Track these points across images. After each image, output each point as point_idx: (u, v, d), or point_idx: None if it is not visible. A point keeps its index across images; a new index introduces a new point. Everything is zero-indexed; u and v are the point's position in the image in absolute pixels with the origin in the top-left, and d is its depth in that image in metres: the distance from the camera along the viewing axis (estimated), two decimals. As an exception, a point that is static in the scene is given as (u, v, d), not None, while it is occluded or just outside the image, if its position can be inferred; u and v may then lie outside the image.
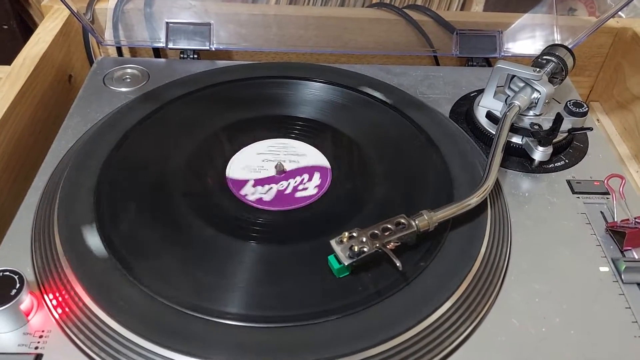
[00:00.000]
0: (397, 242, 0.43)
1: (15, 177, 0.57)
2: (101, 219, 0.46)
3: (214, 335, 0.39)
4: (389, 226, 0.43)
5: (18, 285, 0.39)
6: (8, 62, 0.64)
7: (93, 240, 0.44)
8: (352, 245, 0.41)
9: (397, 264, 0.40)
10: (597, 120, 0.77)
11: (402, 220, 0.43)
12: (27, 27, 1.00)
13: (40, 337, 0.40)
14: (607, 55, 0.77)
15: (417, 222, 0.43)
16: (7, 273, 0.39)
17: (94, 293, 0.41)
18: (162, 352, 0.38)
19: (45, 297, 0.42)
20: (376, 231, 0.42)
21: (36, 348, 0.39)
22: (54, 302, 0.41)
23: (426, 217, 0.43)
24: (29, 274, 0.43)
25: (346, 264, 0.41)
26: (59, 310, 0.41)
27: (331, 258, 0.42)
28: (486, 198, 0.48)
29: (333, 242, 0.42)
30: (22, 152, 0.59)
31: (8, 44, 0.97)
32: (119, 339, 0.39)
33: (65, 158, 0.54)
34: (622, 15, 0.88)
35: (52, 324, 0.40)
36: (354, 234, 0.42)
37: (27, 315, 0.40)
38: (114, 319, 0.39)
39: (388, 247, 0.42)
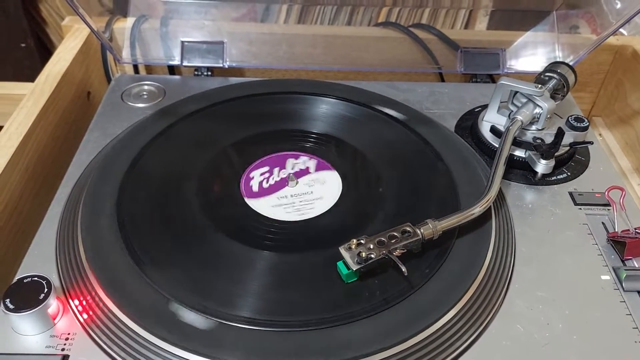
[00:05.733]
0: (403, 250, 0.44)
1: (40, 188, 0.60)
2: (122, 228, 0.48)
3: (229, 337, 0.41)
4: (395, 234, 0.45)
5: (46, 290, 0.41)
6: (26, 79, 0.66)
7: (114, 247, 0.46)
8: (360, 252, 0.43)
9: (403, 270, 0.42)
10: (600, 134, 0.79)
11: (408, 229, 0.45)
12: (44, 46, 1.03)
13: (66, 339, 0.41)
14: (608, 72, 0.79)
15: (422, 230, 0.45)
16: (36, 278, 0.42)
17: (117, 298, 0.42)
18: (180, 353, 0.40)
19: (70, 301, 0.44)
20: (383, 238, 0.44)
21: (62, 350, 0.41)
22: (79, 306, 0.43)
23: (431, 226, 0.45)
24: (54, 280, 0.45)
25: (354, 270, 0.43)
26: (84, 314, 0.43)
27: (340, 264, 0.44)
28: (490, 209, 0.50)
29: (342, 249, 0.44)
30: (45, 165, 0.61)
31: (25, 61, 1.00)
32: (140, 340, 0.40)
33: (87, 171, 0.56)
34: (624, 32, 0.90)
35: (77, 327, 0.42)
36: (362, 241, 0.44)
37: (54, 318, 0.42)
38: (135, 322, 0.41)
39: (394, 254, 0.43)
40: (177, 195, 0.52)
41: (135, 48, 0.72)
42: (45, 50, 1.03)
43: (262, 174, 0.56)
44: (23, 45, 0.99)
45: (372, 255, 0.43)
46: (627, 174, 0.71)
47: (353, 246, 0.44)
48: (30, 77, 0.66)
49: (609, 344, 0.44)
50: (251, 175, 0.56)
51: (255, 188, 0.54)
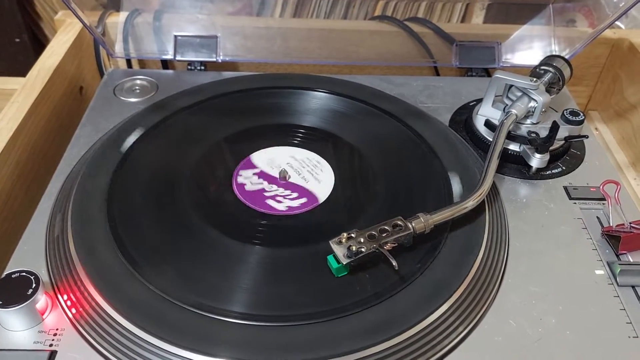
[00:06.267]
0: (394, 243, 0.44)
1: (30, 183, 0.59)
2: (112, 223, 0.47)
3: (219, 333, 0.40)
4: (386, 227, 0.44)
5: (34, 285, 0.41)
6: (20, 74, 0.66)
7: (104, 243, 0.46)
8: (350, 246, 0.43)
9: (394, 264, 0.42)
10: (596, 129, 0.78)
11: (399, 222, 0.45)
12: (38, 41, 1.03)
13: (55, 335, 0.41)
14: (604, 65, 0.79)
15: (413, 224, 0.45)
16: (24, 274, 0.41)
17: (106, 293, 0.42)
18: (169, 348, 0.39)
19: (59, 297, 0.43)
20: (374, 232, 0.44)
21: (50, 345, 0.41)
22: (68, 302, 0.43)
23: (422, 220, 0.45)
24: (43, 275, 0.45)
25: (344, 264, 0.43)
26: (73, 310, 0.42)
27: (330, 258, 0.44)
28: (484, 203, 0.50)
29: (332, 243, 0.44)
30: (36, 160, 0.61)
31: (20, 56, 1.00)
32: (129, 336, 0.40)
33: (78, 165, 0.55)
34: (622, 26, 0.90)
35: (66, 323, 0.42)
36: (353, 235, 0.44)
37: (42, 314, 0.42)
38: (124, 318, 0.41)
39: (385, 247, 0.43)
40: (168, 191, 0.52)
41: (128, 42, 0.72)
42: (40, 45, 1.02)
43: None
44: (17, 40, 0.99)
45: (363, 249, 0.43)
46: (623, 168, 0.71)
47: (343, 240, 0.43)
48: (25, 72, 0.65)
49: (602, 339, 0.43)
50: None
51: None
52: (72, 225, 0.47)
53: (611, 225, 0.51)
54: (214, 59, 0.71)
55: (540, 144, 0.55)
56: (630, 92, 0.74)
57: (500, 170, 0.57)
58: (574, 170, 0.58)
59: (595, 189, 0.55)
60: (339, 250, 0.43)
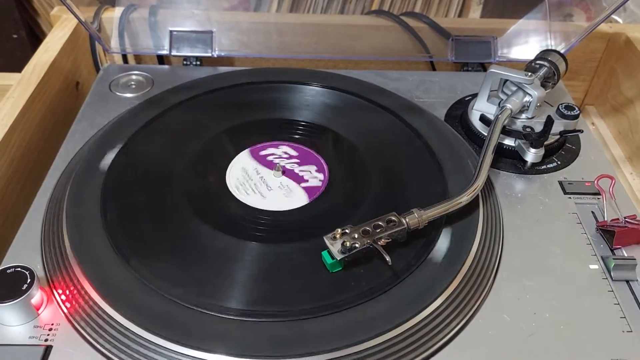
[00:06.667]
0: (388, 239, 0.44)
1: (26, 179, 0.59)
2: (107, 219, 0.48)
3: (215, 328, 0.40)
4: (380, 223, 0.44)
5: (29, 280, 0.41)
6: (17, 70, 0.65)
7: (99, 238, 0.46)
8: (344, 241, 0.43)
9: (387, 259, 0.42)
10: (592, 123, 0.78)
11: (393, 218, 0.45)
12: (35, 37, 1.03)
13: (50, 329, 0.41)
14: (600, 60, 0.79)
15: (407, 219, 0.45)
16: (19, 269, 0.41)
17: (101, 288, 0.42)
18: (165, 344, 0.39)
19: (55, 292, 0.44)
20: (368, 228, 0.44)
21: (46, 340, 0.41)
22: (63, 297, 0.43)
23: (416, 215, 0.45)
24: (38, 271, 0.45)
25: (338, 259, 0.43)
26: (68, 305, 0.42)
27: (325, 253, 0.44)
28: (478, 198, 0.50)
29: (326, 238, 0.44)
30: (31, 156, 0.61)
31: (17, 52, 1.00)
32: (124, 331, 0.40)
33: (73, 161, 0.56)
34: (620, 20, 0.90)
35: (61, 318, 0.42)
36: (347, 231, 0.44)
37: (38, 309, 0.42)
38: (119, 313, 0.41)
39: (379, 243, 0.43)
40: (163, 186, 0.52)
41: (124, 38, 0.72)
42: (37, 42, 1.01)
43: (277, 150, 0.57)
44: (15, 36, 0.98)
45: (357, 245, 0.43)
46: (620, 162, 0.71)
47: (338, 236, 0.44)
48: (22, 68, 0.65)
49: (596, 334, 0.43)
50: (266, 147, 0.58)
51: (258, 151, 0.57)
52: (67, 221, 0.47)
53: (606, 219, 0.51)
54: (210, 54, 0.71)
55: (535, 139, 0.55)
56: (626, 86, 0.74)
57: (495, 165, 0.57)
58: (569, 165, 0.58)
59: (590, 184, 0.55)
60: (333, 246, 0.43)
